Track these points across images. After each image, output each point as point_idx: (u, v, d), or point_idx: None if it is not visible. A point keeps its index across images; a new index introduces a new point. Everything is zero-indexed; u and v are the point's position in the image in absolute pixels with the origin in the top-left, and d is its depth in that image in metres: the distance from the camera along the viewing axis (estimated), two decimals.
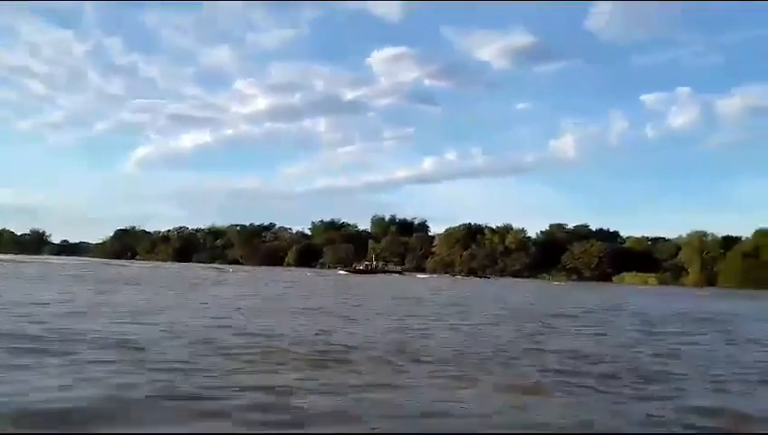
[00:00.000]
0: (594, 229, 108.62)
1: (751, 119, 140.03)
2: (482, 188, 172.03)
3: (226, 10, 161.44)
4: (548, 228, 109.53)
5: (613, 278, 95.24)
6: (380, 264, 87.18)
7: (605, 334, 13.01)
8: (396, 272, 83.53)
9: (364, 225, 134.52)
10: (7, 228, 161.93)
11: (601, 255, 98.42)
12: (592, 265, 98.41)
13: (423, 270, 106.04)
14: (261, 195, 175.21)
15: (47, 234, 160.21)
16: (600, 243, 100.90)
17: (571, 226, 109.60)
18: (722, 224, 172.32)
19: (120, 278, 32.97)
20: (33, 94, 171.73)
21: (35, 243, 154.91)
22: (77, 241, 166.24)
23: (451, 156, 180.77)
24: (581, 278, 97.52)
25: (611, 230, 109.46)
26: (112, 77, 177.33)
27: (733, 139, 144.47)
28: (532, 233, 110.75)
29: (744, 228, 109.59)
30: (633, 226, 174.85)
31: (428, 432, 4.94)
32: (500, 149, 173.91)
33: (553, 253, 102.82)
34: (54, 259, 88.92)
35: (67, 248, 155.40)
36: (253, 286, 31.25)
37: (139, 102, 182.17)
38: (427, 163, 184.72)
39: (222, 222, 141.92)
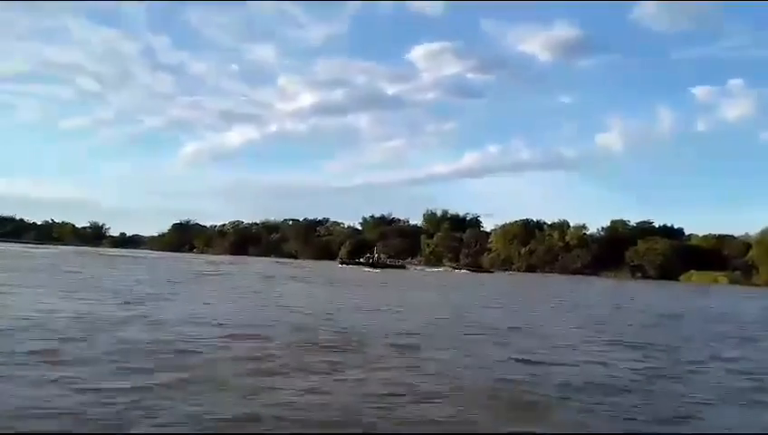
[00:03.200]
0: (657, 226, 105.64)
1: None
2: (527, 184, 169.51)
3: (268, 8, 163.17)
4: (609, 224, 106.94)
5: (680, 277, 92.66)
6: (382, 257, 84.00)
7: None
8: (398, 266, 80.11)
9: (414, 219, 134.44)
10: (67, 221, 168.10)
11: (667, 252, 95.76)
12: (657, 263, 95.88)
13: (480, 267, 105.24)
14: (305, 190, 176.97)
15: (106, 226, 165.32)
16: (665, 240, 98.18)
17: (633, 222, 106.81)
18: None
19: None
20: (85, 91, 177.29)
21: (95, 235, 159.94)
22: (131, 234, 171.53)
23: (494, 150, 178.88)
24: (646, 276, 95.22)
25: (676, 227, 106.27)
26: (161, 75, 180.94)
27: None
28: (590, 229, 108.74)
29: None
30: (693, 223, 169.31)
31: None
32: (544, 144, 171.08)
33: (615, 250, 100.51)
34: (125, 252, 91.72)
35: (125, 241, 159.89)
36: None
37: (187, 99, 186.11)
38: (469, 158, 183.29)
39: (267, 217, 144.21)
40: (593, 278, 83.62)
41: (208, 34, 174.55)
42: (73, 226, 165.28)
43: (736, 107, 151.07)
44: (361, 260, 78.69)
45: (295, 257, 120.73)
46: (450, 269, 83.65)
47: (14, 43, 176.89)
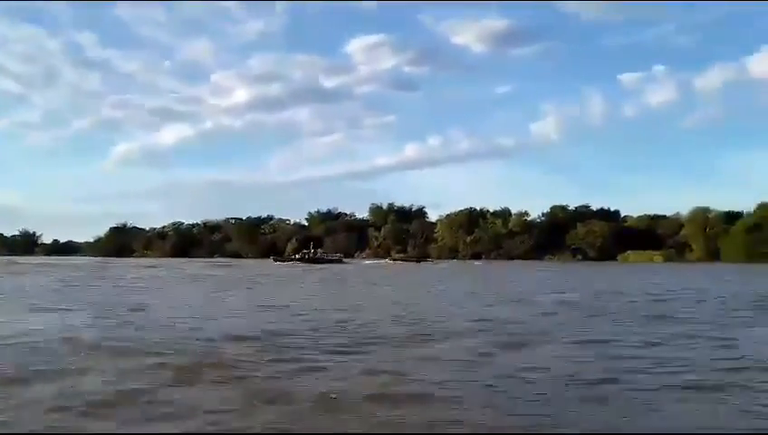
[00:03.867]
0: (595, 209, 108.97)
1: (728, 93, 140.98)
2: (468, 173, 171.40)
3: (201, 3, 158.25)
4: (549, 210, 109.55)
5: (618, 257, 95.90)
6: (319, 252, 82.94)
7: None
8: (334, 261, 78.44)
9: (360, 213, 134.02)
10: None
11: (605, 234, 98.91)
12: (597, 245, 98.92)
13: (424, 257, 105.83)
14: (246, 188, 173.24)
15: (38, 234, 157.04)
16: (602, 222, 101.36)
17: (572, 206, 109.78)
18: (711, 200, 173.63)
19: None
20: (6, 92, 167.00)
21: (26, 244, 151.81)
22: (65, 240, 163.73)
23: (434, 142, 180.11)
24: (586, 258, 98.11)
25: (612, 209, 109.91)
26: (88, 73, 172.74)
27: (712, 114, 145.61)
28: (532, 215, 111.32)
29: (734, 203, 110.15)
30: (627, 205, 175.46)
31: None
32: (483, 134, 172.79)
33: (556, 234, 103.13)
34: (63, 260, 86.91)
35: (60, 248, 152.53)
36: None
37: (117, 98, 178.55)
38: (410, 150, 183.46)
39: (208, 217, 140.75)
40: (536, 263, 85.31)
41: (139, 31, 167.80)
42: (1, 234, 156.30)
43: (660, 93, 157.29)
44: (296, 256, 77.18)
45: (240, 257, 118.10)
46: (391, 261, 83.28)
47: None
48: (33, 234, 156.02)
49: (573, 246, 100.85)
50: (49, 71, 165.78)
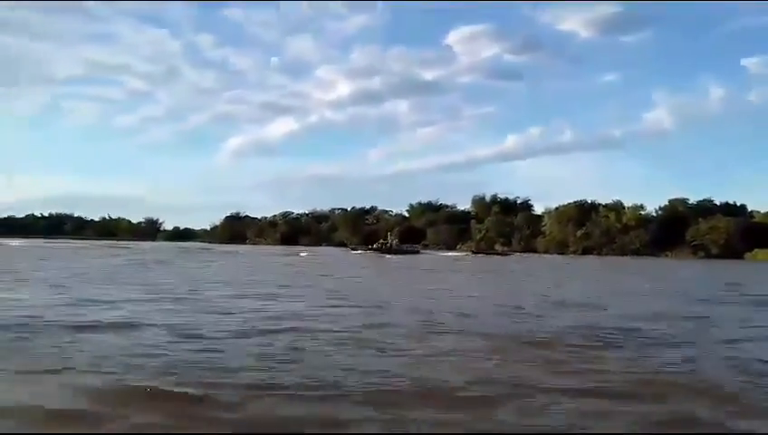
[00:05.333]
0: (719, 204, 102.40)
1: None
2: (573, 165, 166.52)
3: (305, 2, 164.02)
4: (667, 204, 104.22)
5: (745, 255, 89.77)
6: (395, 243, 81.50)
7: None
8: (410, 251, 77.58)
9: (462, 205, 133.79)
10: (122, 217, 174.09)
11: (731, 230, 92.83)
12: (721, 242, 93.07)
13: (533, 250, 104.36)
14: (348, 179, 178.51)
15: (160, 221, 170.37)
16: (728, 218, 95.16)
17: (692, 200, 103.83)
18: None
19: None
20: (134, 91, 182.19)
21: (150, 230, 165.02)
22: (183, 227, 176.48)
23: (536, 132, 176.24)
24: (709, 256, 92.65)
25: (738, 204, 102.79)
26: (205, 71, 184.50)
27: None
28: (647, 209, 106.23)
29: None
30: (754, 199, 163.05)
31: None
32: (588, 124, 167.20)
33: (674, 230, 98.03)
34: (187, 244, 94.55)
35: (179, 234, 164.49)
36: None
37: (230, 94, 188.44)
38: (511, 140, 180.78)
39: (313, 206, 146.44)
40: (652, 259, 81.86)
41: (249, 30, 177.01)
42: (129, 221, 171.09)
43: None
44: (373, 246, 77.84)
45: (344, 245, 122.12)
46: (469, 253, 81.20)
47: (68, 49, 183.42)
48: (156, 221, 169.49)
49: (694, 243, 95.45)
50: (171, 70, 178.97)
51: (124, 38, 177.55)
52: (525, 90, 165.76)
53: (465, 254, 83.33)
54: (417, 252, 79.99)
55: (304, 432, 4.88)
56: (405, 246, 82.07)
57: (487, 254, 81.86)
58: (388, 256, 65.77)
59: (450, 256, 75.76)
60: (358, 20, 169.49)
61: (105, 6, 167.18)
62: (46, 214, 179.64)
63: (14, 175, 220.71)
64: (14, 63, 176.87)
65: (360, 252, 72.95)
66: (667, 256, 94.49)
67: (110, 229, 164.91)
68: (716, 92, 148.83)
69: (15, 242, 74.62)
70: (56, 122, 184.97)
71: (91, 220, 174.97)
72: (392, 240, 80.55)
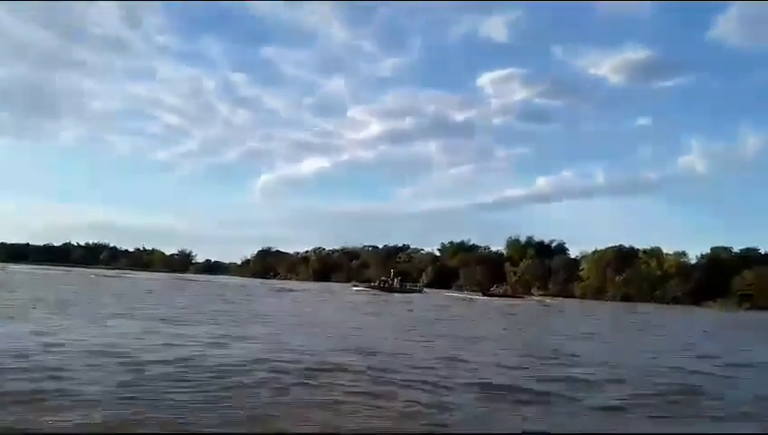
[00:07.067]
0: (763, 253, 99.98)
1: None
2: (606, 208, 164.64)
3: (339, 43, 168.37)
4: (710, 251, 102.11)
5: None
6: (395, 281, 78.27)
7: None
8: (414, 291, 76.89)
9: (494, 245, 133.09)
10: (156, 248, 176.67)
11: None
12: None
13: (571, 295, 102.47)
14: (377, 217, 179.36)
15: (193, 253, 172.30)
16: None
17: (736, 249, 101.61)
18: None
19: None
20: (170, 126, 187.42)
21: (183, 262, 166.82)
22: (214, 260, 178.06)
23: (568, 174, 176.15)
24: (755, 307, 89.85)
25: None
26: (239, 109, 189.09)
27: None
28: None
29: None
30: None
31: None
32: (621, 168, 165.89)
33: (717, 279, 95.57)
34: (223, 279, 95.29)
35: (210, 267, 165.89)
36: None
37: (263, 132, 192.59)
38: (542, 182, 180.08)
39: (341, 243, 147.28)
40: (695, 308, 79.74)
41: (284, 70, 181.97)
42: (162, 253, 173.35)
43: None
44: (376, 284, 76.80)
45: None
46: (473, 296, 74.90)
47: (109, 84, 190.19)
48: (189, 253, 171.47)
49: (740, 293, 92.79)
50: (206, 107, 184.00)
51: (161, 75, 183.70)
52: (557, 132, 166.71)
53: (474, 296, 77.40)
54: (421, 291, 79.25)
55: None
56: (408, 285, 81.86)
57: (499, 297, 77.01)
58: (390, 294, 65.41)
59: (453, 295, 74.50)
60: (390, 62, 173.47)
61: (143, 43, 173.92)
62: (83, 242, 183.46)
63: (54, 203, 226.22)
64: (58, 96, 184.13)
65: (360, 289, 72.65)
66: (709, 306, 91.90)
67: (144, 260, 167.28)
68: (751, 139, 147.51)
69: (54, 270, 76.28)
70: (96, 155, 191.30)
71: (126, 250, 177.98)
72: (394, 279, 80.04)
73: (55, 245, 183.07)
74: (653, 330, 30.17)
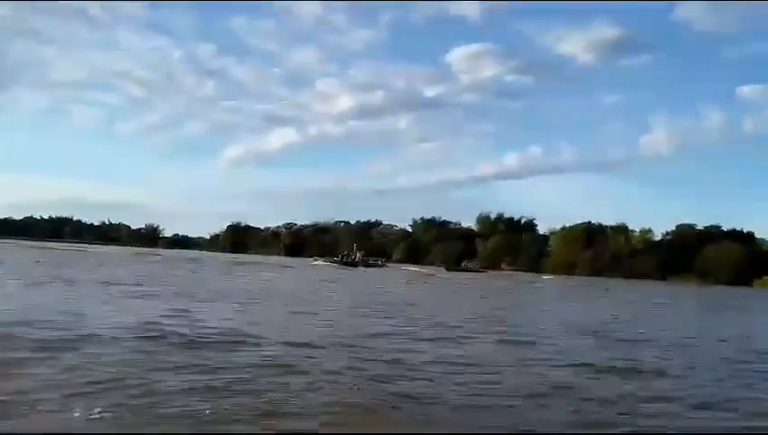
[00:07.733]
0: (726, 230, 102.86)
1: None
2: (572, 185, 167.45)
3: (308, 14, 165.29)
4: (675, 229, 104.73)
5: (754, 283, 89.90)
6: (359, 256, 75.99)
7: None
8: (377, 265, 74.43)
9: (465, 222, 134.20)
10: (122, 222, 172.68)
11: (739, 257, 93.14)
12: (729, 269, 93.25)
13: (540, 271, 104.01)
14: (348, 192, 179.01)
15: (161, 228, 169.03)
16: (737, 244, 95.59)
17: (700, 226, 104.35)
18: None
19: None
20: (134, 98, 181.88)
21: (150, 236, 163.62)
22: (182, 235, 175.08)
23: (536, 151, 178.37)
24: (717, 282, 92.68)
25: (746, 231, 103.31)
26: (204, 80, 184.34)
27: None
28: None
29: None
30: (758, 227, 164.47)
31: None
32: (588, 145, 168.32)
33: (682, 255, 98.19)
34: (190, 253, 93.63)
35: (179, 242, 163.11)
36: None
37: (229, 104, 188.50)
38: (510, 158, 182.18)
39: (314, 218, 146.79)
40: (662, 284, 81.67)
41: (251, 41, 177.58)
42: (129, 227, 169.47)
43: None
44: (336, 259, 75.25)
45: None
46: (438, 269, 76.81)
47: (71, 53, 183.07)
48: (157, 228, 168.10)
49: (702, 269, 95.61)
50: (170, 78, 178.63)
51: (125, 45, 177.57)
52: (526, 109, 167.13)
53: (426, 270, 76.31)
54: (382, 266, 76.55)
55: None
56: (370, 260, 78.65)
57: (461, 271, 78.18)
58: (349, 269, 62.42)
59: (415, 270, 71.35)
60: (360, 34, 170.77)
61: (107, 13, 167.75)
62: (46, 217, 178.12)
63: (16, 177, 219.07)
64: (17, 66, 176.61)
65: (319, 263, 70.55)
66: (673, 280, 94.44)
67: (110, 234, 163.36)
68: (714, 119, 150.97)
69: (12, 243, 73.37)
70: (58, 126, 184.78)
71: (91, 225, 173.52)
72: (357, 253, 77.86)
73: (16, 218, 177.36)
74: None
